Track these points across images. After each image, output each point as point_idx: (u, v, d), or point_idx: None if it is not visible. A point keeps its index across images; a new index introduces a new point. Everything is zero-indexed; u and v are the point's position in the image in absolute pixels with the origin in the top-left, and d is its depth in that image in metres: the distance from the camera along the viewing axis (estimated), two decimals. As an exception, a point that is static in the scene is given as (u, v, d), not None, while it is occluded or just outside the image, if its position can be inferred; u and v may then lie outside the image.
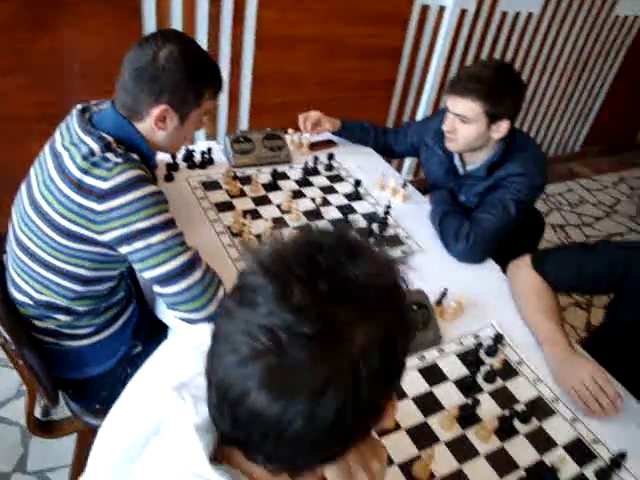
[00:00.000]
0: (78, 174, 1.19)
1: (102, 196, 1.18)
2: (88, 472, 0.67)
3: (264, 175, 1.91)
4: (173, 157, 1.83)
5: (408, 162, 3.60)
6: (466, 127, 1.69)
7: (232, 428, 0.56)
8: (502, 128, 1.69)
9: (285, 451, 0.55)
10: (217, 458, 0.60)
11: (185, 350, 0.73)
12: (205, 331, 0.62)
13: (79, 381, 1.48)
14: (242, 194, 1.79)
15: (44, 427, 1.50)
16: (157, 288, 1.27)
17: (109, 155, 1.21)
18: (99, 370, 1.48)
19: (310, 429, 0.52)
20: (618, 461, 1.16)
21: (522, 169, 1.71)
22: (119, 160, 1.21)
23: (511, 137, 1.75)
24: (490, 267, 1.72)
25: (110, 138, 1.26)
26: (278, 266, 0.53)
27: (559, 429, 1.27)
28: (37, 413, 1.49)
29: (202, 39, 2.46)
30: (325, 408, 0.51)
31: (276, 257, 0.54)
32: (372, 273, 0.54)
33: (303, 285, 0.51)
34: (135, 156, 1.28)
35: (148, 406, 0.67)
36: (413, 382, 1.29)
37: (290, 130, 2.15)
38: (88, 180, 1.19)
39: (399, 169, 3.55)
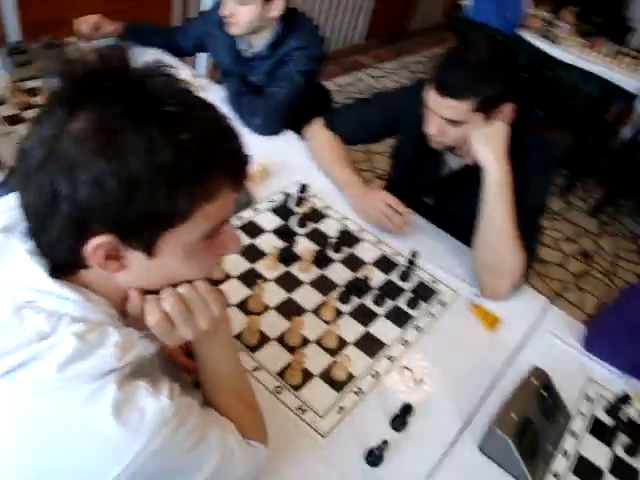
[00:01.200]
0: None
1: None
2: None
3: (53, 85, 1.84)
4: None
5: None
6: (243, 9, 1.77)
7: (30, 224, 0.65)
8: (277, 6, 1.79)
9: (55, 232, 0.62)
10: None
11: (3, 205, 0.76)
12: None
13: None
14: (33, 106, 1.72)
15: None
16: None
17: None
18: None
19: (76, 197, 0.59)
20: (412, 260, 1.41)
21: (302, 43, 1.85)
22: None
23: (289, 16, 1.86)
24: (289, 136, 1.86)
25: None
26: None
27: (366, 251, 1.49)
28: None
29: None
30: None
31: None
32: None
33: None
34: None
35: None
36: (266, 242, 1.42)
37: (72, 39, 2.05)
38: None
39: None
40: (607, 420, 1.25)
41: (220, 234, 0.71)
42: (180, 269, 0.70)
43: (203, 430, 0.73)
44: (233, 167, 0.67)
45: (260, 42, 1.90)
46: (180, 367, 1.00)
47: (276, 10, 1.80)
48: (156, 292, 0.71)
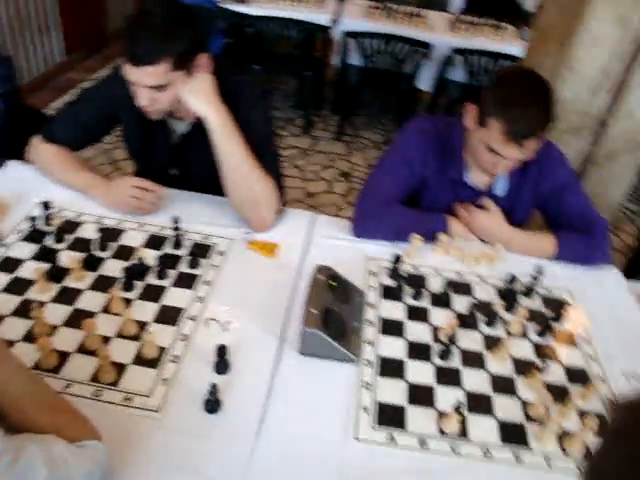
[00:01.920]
0: None
1: None
2: None
3: None
4: None
5: None
6: None
7: None
8: None
9: None
10: None
11: None
12: None
13: None
14: None
15: None
16: None
17: None
18: None
19: None
20: (177, 226, 1.45)
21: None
22: None
23: None
24: (11, 165, 1.73)
25: None
26: None
27: (133, 238, 1.50)
28: None
29: None
30: None
31: None
32: None
33: None
34: None
35: None
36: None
37: None
38: None
39: None
40: (392, 283, 1.44)
41: None
42: None
43: (14, 452, 0.71)
44: None
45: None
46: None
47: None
48: None
